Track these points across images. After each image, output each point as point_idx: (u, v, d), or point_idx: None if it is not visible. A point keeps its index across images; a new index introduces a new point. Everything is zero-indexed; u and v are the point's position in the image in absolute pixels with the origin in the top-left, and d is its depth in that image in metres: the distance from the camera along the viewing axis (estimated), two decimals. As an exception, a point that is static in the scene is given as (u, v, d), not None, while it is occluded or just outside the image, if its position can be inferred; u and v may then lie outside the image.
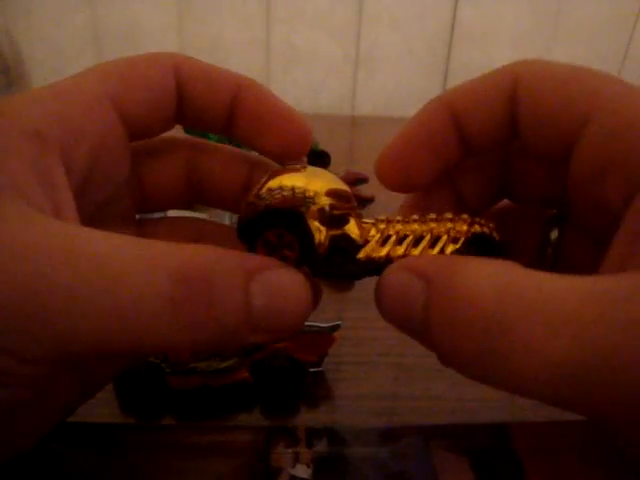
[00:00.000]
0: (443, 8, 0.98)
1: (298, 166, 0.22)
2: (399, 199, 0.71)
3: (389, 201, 0.65)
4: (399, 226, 0.21)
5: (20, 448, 0.20)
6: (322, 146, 0.71)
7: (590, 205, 0.20)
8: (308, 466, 0.26)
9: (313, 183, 0.20)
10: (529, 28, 1.00)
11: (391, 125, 0.93)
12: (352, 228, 0.21)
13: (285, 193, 0.20)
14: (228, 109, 0.24)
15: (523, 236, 0.24)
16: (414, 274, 0.18)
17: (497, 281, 0.15)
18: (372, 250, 0.21)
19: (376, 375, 0.39)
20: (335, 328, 0.37)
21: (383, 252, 0.20)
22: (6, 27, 0.98)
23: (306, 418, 0.35)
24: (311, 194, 0.20)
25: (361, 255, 0.21)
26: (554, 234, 0.23)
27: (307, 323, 0.38)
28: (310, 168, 0.22)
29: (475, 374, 0.16)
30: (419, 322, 0.17)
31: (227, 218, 0.53)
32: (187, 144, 0.26)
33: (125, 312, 0.15)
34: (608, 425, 0.16)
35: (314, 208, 0.20)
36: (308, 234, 0.20)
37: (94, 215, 0.23)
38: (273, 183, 0.20)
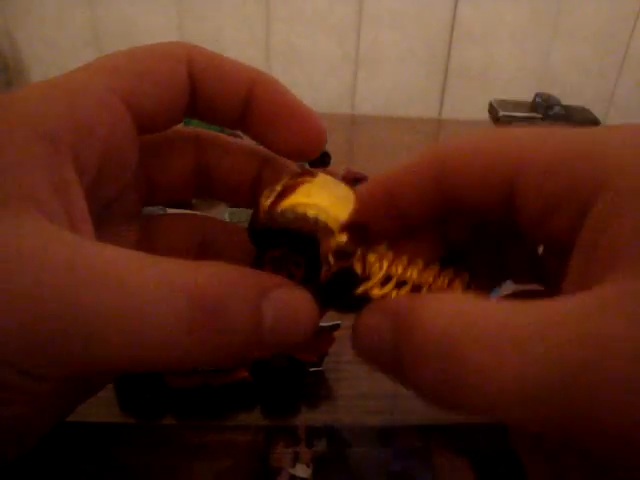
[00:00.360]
0: (443, 8, 0.98)
1: (316, 179, 0.22)
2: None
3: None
4: (401, 269, 0.21)
5: (19, 448, 0.20)
6: (322, 146, 0.71)
7: (545, 241, 0.21)
8: (308, 465, 0.26)
9: (334, 209, 0.20)
10: (529, 28, 1.00)
11: (391, 125, 0.93)
12: (358, 264, 0.21)
13: (305, 217, 0.20)
14: (242, 104, 0.23)
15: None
16: (385, 314, 0.18)
17: (450, 312, 0.16)
18: (371, 288, 0.21)
19: (376, 374, 0.39)
20: (335, 328, 0.37)
21: (380, 293, 0.21)
22: (6, 27, 0.98)
23: (306, 418, 0.35)
24: (330, 224, 0.20)
25: (359, 290, 0.21)
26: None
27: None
28: (327, 182, 0.22)
29: (441, 404, 0.16)
30: (390, 361, 0.17)
31: (227, 217, 0.53)
32: (195, 136, 0.25)
33: (143, 334, 0.16)
34: (578, 447, 0.16)
35: (329, 240, 0.20)
36: (317, 262, 0.20)
37: (101, 213, 0.22)
38: (293, 200, 0.20)
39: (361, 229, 0.21)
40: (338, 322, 0.37)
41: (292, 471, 0.26)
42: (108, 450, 0.27)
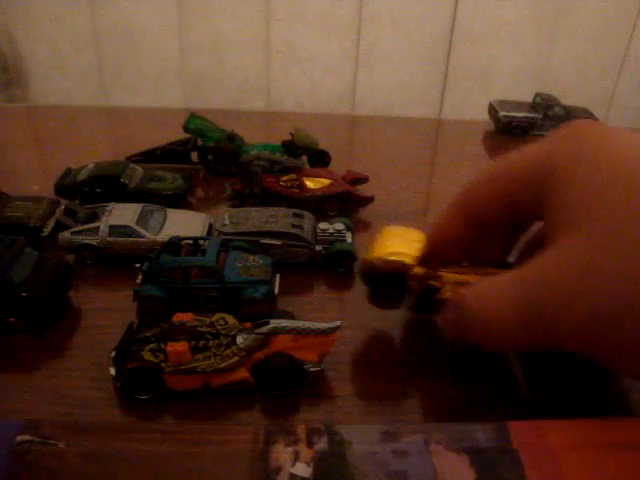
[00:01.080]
0: (443, 8, 0.98)
1: (396, 230, 0.42)
2: (397, 198, 0.70)
3: (388, 200, 0.65)
4: (460, 276, 0.38)
5: None
6: (322, 145, 0.71)
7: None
8: (308, 464, 0.26)
9: (410, 250, 0.39)
10: (529, 28, 1.00)
11: (391, 124, 0.92)
12: (433, 281, 0.39)
13: (393, 261, 0.38)
14: None
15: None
16: (452, 306, 0.36)
17: (474, 291, 0.35)
18: (443, 294, 0.38)
19: (376, 375, 0.39)
20: (335, 328, 0.37)
21: (450, 295, 0.37)
22: (6, 27, 0.98)
23: (306, 417, 0.35)
24: (409, 262, 0.39)
25: (437, 296, 0.38)
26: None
27: (307, 323, 0.38)
28: (402, 231, 0.42)
29: (477, 342, 0.34)
30: (457, 329, 0.36)
31: (227, 217, 0.53)
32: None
33: None
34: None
35: (411, 273, 0.39)
36: (406, 287, 0.40)
37: None
38: (383, 251, 0.39)
39: (430, 258, 0.39)
40: (338, 322, 0.37)
41: (292, 470, 0.26)
42: (108, 450, 0.27)
